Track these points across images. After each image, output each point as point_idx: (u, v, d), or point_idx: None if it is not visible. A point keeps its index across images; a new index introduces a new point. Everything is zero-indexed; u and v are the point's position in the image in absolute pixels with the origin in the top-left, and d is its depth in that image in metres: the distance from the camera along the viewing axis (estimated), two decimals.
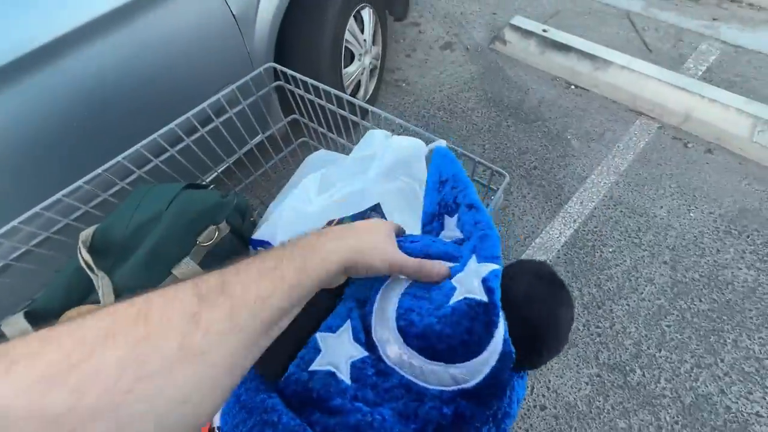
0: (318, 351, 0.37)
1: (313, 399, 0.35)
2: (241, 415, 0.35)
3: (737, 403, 1.04)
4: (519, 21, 1.89)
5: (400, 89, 1.84)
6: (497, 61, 1.93)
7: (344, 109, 0.77)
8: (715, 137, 1.50)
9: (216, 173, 0.78)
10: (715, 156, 1.50)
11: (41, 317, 0.53)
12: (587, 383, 1.09)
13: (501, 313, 0.34)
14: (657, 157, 1.53)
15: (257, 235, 0.71)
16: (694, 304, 1.19)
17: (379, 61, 1.65)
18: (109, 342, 0.19)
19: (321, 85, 0.76)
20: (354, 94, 1.58)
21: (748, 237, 1.30)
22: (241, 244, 0.72)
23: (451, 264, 0.39)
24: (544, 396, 1.09)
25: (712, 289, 1.22)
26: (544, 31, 1.82)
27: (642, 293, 1.23)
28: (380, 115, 0.73)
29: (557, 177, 1.51)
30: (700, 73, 1.76)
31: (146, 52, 0.85)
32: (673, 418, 1.03)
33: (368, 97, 1.65)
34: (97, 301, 0.54)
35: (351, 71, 1.47)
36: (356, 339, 0.37)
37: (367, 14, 1.45)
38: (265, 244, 0.70)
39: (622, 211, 1.40)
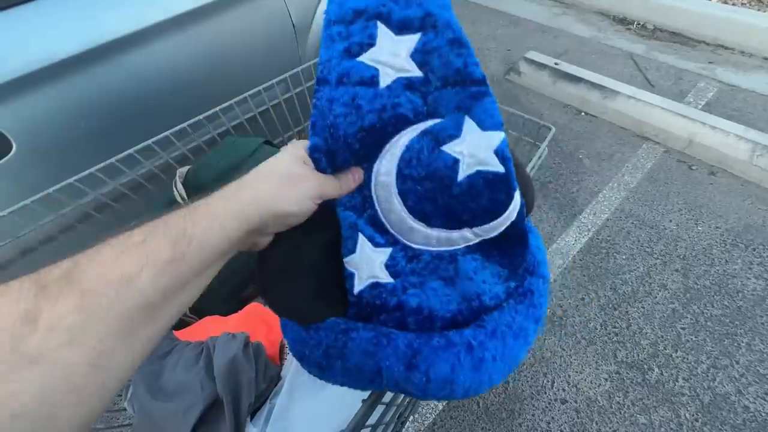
0: (353, 274, 0.36)
1: (376, 309, 0.36)
2: (317, 336, 0.36)
3: (755, 403, 1.06)
4: (533, 55, 2.08)
5: None
6: (512, 89, 2.10)
7: None
8: (717, 161, 1.61)
9: (282, 138, 0.89)
10: (718, 177, 1.60)
11: None
12: (606, 379, 1.12)
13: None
14: (664, 176, 1.63)
15: None
16: (707, 309, 1.24)
17: None
18: None
19: None
20: None
21: (754, 250, 1.37)
22: None
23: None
24: (564, 390, 1.11)
25: (723, 296, 1.27)
26: (556, 64, 2.00)
27: (656, 297, 1.28)
28: None
29: (571, 191, 1.61)
30: (700, 106, 1.90)
31: (214, 48, 0.98)
32: (693, 415, 1.05)
33: None
34: None
35: None
36: (376, 245, 0.36)
37: None
38: None
39: (633, 223, 1.48)
